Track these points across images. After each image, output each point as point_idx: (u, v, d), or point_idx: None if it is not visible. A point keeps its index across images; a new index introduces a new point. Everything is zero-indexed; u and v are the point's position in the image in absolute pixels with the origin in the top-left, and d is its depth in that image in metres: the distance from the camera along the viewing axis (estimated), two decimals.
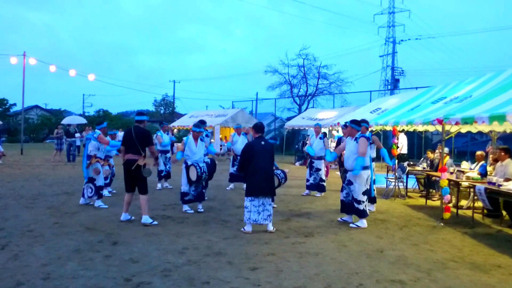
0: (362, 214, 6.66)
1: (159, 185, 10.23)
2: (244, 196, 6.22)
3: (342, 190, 7.02)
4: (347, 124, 7.36)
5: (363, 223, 6.63)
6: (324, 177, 9.66)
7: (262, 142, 6.17)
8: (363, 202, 6.67)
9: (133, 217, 6.62)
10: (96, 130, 8.02)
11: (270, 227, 6.15)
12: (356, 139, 6.77)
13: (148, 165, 6.55)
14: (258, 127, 6.35)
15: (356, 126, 6.91)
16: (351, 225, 6.68)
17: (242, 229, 6.14)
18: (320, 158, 9.51)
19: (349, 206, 6.82)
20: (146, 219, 6.38)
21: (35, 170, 13.86)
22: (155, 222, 6.42)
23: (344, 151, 7.12)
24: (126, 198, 6.55)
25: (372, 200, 7.41)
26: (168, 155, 10.31)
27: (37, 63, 22.14)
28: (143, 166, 6.38)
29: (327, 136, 15.58)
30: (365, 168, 6.67)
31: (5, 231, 5.80)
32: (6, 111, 40.28)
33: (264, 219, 6.06)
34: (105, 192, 8.58)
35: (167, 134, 10.61)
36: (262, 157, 6.09)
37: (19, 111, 35.79)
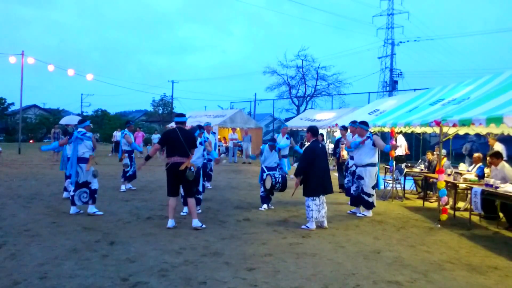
0: (370, 205, 7.53)
1: (123, 187, 9.77)
2: (305, 197, 6.51)
3: (352, 185, 7.96)
4: (355, 125, 8.02)
5: (369, 212, 7.54)
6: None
7: (320, 145, 6.66)
8: (372, 195, 7.52)
9: (176, 225, 6.36)
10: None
11: (325, 224, 6.55)
12: (368, 138, 7.56)
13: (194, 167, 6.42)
14: (315, 131, 6.81)
15: (365, 127, 7.70)
16: (358, 214, 7.57)
17: (305, 226, 6.46)
18: (284, 156, 10.81)
19: (358, 199, 7.63)
20: (196, 222, 6.24)
21: (33, 170, 13.83)
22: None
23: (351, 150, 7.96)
24: (171, 203, 6.26)
25: (369, 206, 7.61)
26: (133, 155, 9.98)
27: (36, 62, 22.11)
28: (189, 168, 6.17)
29: (325, 137, 15.61)
30: (374, 165, 7.56)
31: (2, 230, 5.80)
32: (4, 110, 40.21)
33: (322, 216, 6.50)
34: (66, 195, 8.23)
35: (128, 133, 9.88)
36: (322, 159, 6.55)
37: (17, 110, 35.73)
